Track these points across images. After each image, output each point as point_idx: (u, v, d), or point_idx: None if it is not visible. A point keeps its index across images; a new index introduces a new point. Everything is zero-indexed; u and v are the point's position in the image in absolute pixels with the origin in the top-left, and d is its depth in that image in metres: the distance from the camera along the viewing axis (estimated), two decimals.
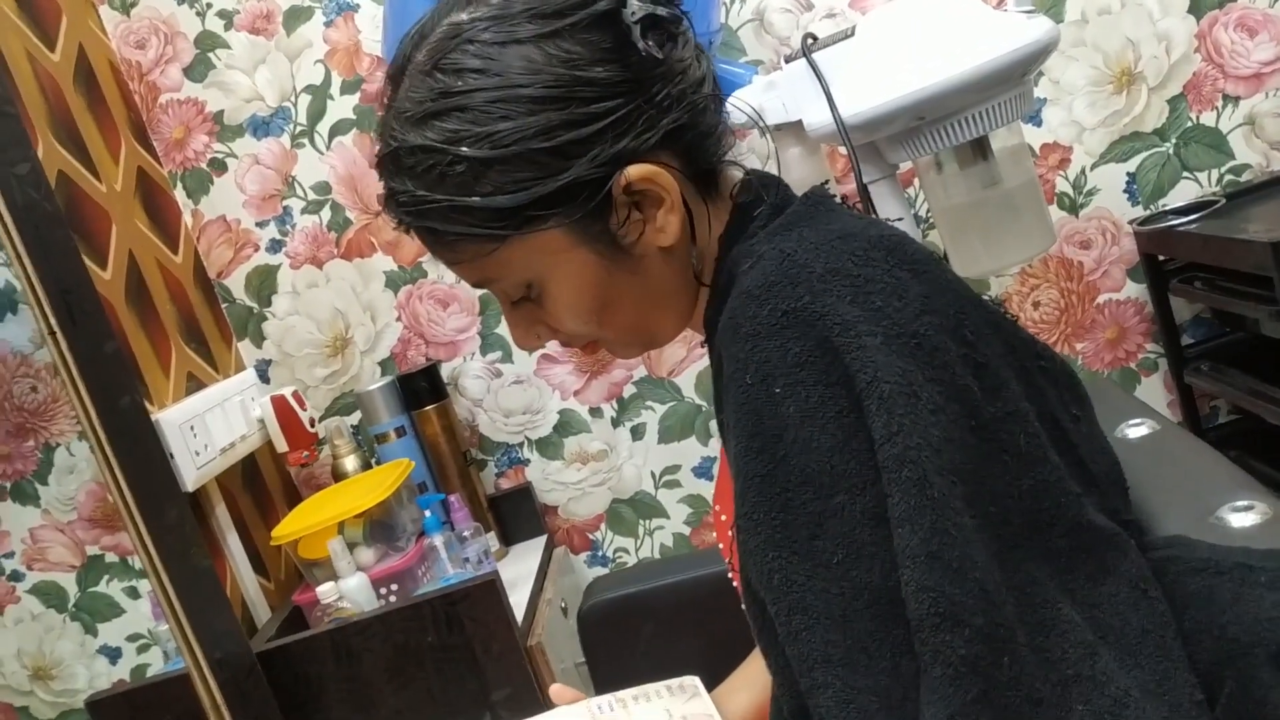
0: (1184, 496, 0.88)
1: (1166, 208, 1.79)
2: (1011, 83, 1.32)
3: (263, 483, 1.87)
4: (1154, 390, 1.89)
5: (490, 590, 1.46)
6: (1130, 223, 1.81)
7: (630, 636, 1.39)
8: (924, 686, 0.61)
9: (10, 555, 1.81)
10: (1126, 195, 1.83)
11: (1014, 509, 0.68)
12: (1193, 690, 0.67)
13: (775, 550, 0.66)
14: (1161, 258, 1.76)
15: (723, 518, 0.96)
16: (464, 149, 0.73)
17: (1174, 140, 1.81)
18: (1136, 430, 1.06)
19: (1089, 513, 0.71)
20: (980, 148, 1.40)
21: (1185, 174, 1.82)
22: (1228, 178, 1.82)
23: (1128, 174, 1.83)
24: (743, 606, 0.72)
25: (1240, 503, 0.83)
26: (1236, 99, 1.80)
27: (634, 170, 0.76)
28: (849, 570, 0.65)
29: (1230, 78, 1.79)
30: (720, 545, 0.98)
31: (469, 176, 0.74)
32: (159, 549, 1.29)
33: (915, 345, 0.68)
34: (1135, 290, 1.85)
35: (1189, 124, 1.81)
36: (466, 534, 1.66)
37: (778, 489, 0.67)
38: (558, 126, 0.73)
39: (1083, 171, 1.83)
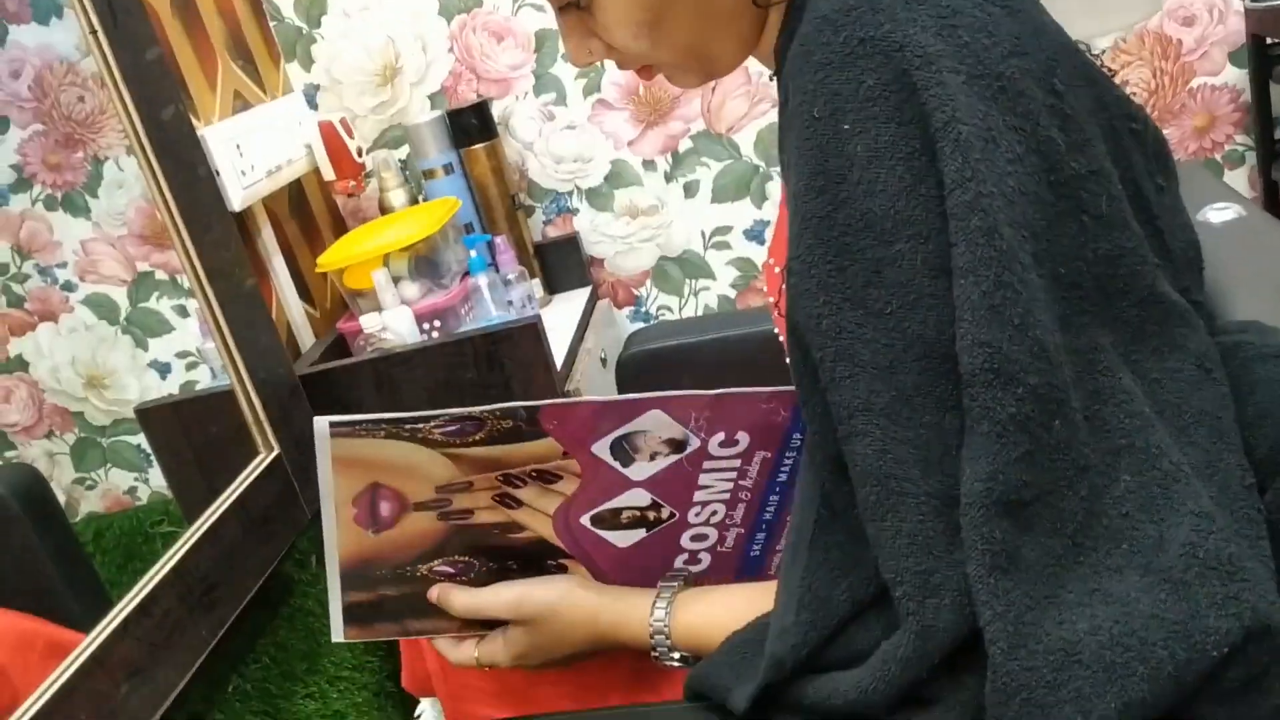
0: (1263, 284, 0.84)
1: None
2: None
3: (309, 210, 1.85)
4: (1237, 185, 1.79)
5: (531, 333, 1.46)
6: (1243, 2, 1.67)
7: (668, 389, 1.39)
8: (968, 443, 0.59)
9: (64, 265, 1.82)
10: None
11: (1085, 272, 0.64)
12: (1244, 474, 0.65)
13: (827, 294, 0.63)
14: (1270, 40, 1.63)
15: (776, 269, 0.92)
16: None
17: None
18: (1220, 215, 1.01)
19: (1162, 285, 0.67)
20: None
21: None
22: None
23: None
24: (785, 356, 0.70)
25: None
26: None
27: None
28: (901, 321, 0.62)
29: None
30: (771, 299, 0.95)
31: None
32: (205, 264, 1.29)
33: (1000, 88, 0.63)
34: (1235, 76, 1.73)
35: None
36: (511, 277, 1.65)
37: (836, 231, 0.63)
38: None
39: None
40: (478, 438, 0.73)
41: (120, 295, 1.83)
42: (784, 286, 0.68)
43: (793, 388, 0.76)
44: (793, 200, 0.66)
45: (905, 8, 0.64)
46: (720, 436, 0.80)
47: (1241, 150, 1.77)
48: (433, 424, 0.72)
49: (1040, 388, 0.59)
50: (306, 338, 1.71)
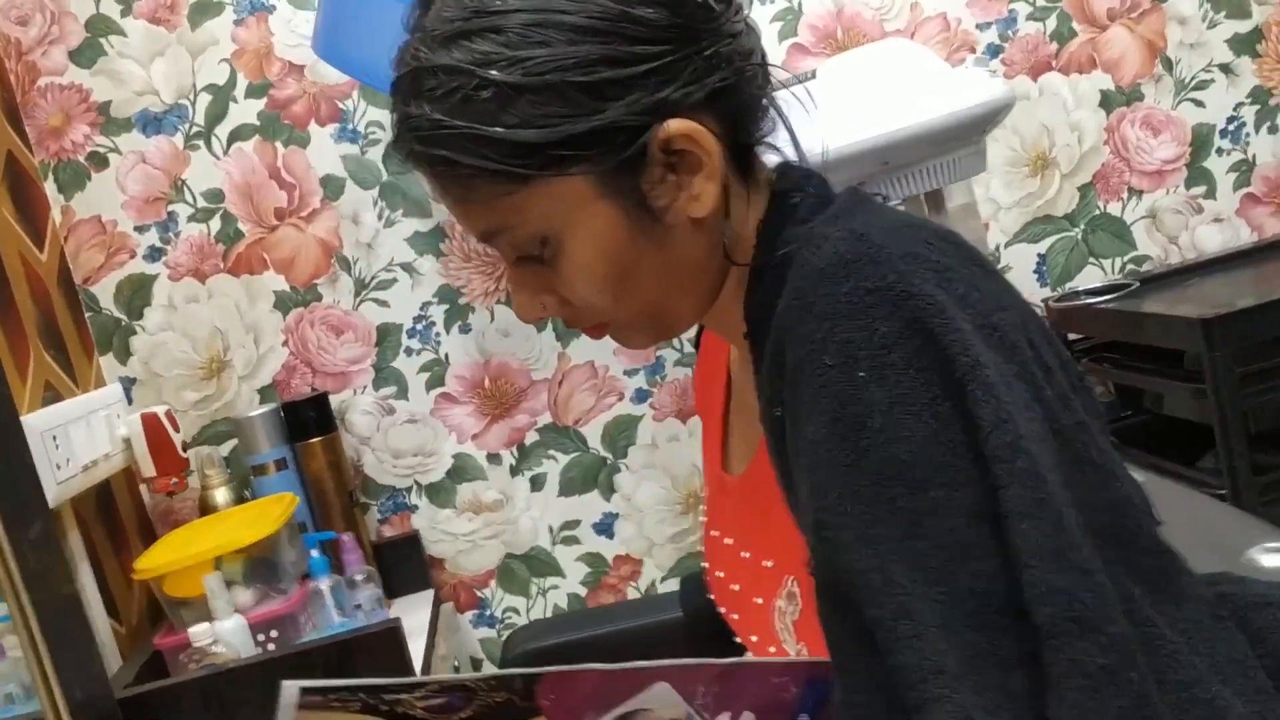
0: (1207, 541, 0.85)
1: (1076, 289, 1.83)
2: (971, 139, 1.33)
3: (116, 512, 1.67)
4: None
5: (392, 639, 1.32)
6: (1044, 300, 1.84)
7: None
8: (1055, 702, 0.54)
9: None
10: (1036, 276, 1.87)
11: (1099, 521, 0.63)
12: None
13: (870, 548, 0.59)
14: (1072, 336, 1.80)
15: (727, 541, 0.87)
16: (493, 72, 0.66)
17: (1083, 226, 1.87)
18: None
19: (1161, 535, 0.67)
20: (936, 201, 1.40)
21: (1091, 259, 1.88)
22: (1129, 267, 1.88)
23: (1039, 255, 1.87)
24: (819, 613, 0.64)
25: (1271, 544, 0.81)
26: (1140, 192, 1.88)
27: (675, 124, 0.69)
28: (949, 574, 0.58)
29: (1135, 172, 1.87)
30: (719, 574, 0.89)
31: (495, 104, 0.67)
32: (22, 568, 1.11)
33: (999, 338, 0.64)
34: None
35: (1097, 211, 1.87)
36: (359, 578, 1.51)
37: (865, 481, 0.60)
38: (598, 61, 0.67)
39: (997, 248, 1.86)
40: (465, 714, 0.63)
41: None
42: (813, 542, 0.63)
43: (806, 660, 0.69)
44: (809, 449, 0.63)
45: (903, 260, 0.65)
46: (725, 718, 0.71)
47: None
48: (416, 694, 0.62)
49: (1118, 637, 0.55)
50: (112, 658, 1.48)
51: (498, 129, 0.67)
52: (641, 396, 1.83)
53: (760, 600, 0.81)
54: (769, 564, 0.80)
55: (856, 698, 0.60)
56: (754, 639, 0.84)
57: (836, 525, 0.60)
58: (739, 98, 0.74)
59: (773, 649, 0.80)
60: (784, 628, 0.78)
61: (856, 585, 0.59)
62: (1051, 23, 1.83)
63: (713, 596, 0.93)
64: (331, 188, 1.74)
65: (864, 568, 0.59)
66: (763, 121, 0.79)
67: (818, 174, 0.81)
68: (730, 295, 0.79)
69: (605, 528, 1.85)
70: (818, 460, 0.62)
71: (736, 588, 0.85)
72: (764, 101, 0.77)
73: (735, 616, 0.88)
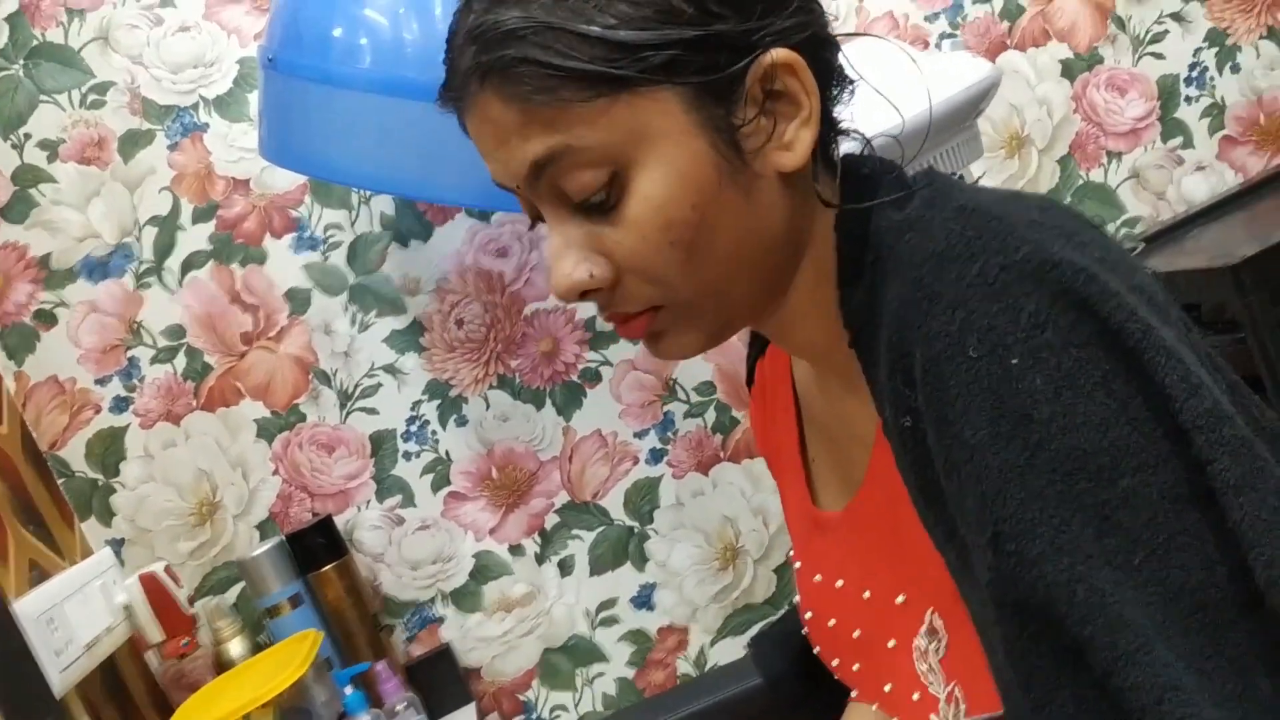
0: None
1: None
2: (965, 124, 1.27)
3: (125, 687, 1.54)
4: None
5: None
6: None
7: None
8: None
9: None
10: None
11: None
12: None
13: (1065, 556, 0.51)
14: None
15: (837, 584, 0.78)
16: None
17: (1069, 198, 1.82)
18: None
19: None
20: None
21: None
22: (1123, 230, 1.83)
23: None
24: (994, 650, 0.55)
25: None
26: (1119, 154, 1.83)
27: (783, 53, 0.63)
28: (1156, 572, 0.51)
29: (1110, 135, 1.83)
30: (830, 622, 0.80)
31: (591, 3, 0.61)
32: None
33: (1149, 299, 0.57)
34: None
35: (1080, 181, 1.82)
36: (400, 708, 1.40)
37: (1043, 481, 0.52)
38: None
39: None
40: None
41: None
42: (991, 560, 0.54)
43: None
44: (970, 457, 0.54)
45: (1029, 229, 0.58)
46: None
47: None
48: None
49: None
50: None
51: (594, 27, 0.60)
52: (657, 456, 1.74)
53: (893, 643, 0.72)
54: (900, 599, 0.71)
55: None
56: (887, 688, 0.74)
57: (1020, 536, 0.52)
58: (827, 57, 0.67)
59: (916, 695, 0.71)
60: (929, 668, 0.69)
61: (1055, 601, 0.51)
62: (998, 2, 1.79)
63: (818, 650, 0.84)
64: (297, 301, 1.65)
65: (1062, 580, 0.50)
66: (844, 91, 0.71)
67: (889, 160, 0.73)
68: (804, 302, 0.70)
69: (644, 600, 1.75)
70: (984, 468, 0.53)
71: (857, 634, 0.76)
72: (840, 75, 0.70)
73: (856, 667, 0.79)
